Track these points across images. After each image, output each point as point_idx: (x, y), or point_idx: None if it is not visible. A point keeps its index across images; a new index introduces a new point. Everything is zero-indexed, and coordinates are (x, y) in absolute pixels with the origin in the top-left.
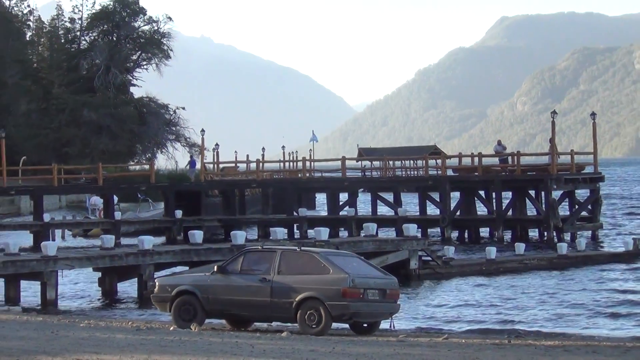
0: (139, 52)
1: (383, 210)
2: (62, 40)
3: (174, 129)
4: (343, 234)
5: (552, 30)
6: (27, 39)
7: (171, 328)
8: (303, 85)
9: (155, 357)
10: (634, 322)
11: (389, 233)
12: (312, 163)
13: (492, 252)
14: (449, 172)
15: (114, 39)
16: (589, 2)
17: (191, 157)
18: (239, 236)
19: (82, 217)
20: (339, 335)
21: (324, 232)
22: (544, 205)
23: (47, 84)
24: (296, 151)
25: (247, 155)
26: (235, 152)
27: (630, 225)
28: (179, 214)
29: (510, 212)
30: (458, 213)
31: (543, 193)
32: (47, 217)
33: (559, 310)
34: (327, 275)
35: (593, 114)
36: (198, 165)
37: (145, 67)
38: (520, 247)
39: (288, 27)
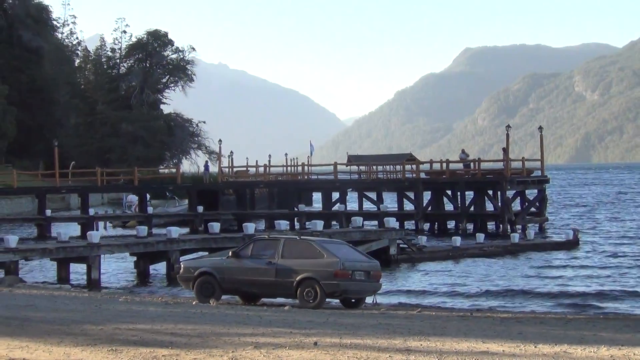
0: (168, 76)
1: (368, 206)
2: (105, 66)
3: (196, 139)
4: (335, 225)
5: (507, 58)
6: (76, 65)
7: (194, 303)
8: (303, 103)
9: (180, 326)
10: (568, 302)
11: (372, 225)
12: (310, 167)
13: (457, 240)
14: (422, 175)
15: (147, 65)
16: (537, 36)
17: (206, 162)
18: (250, 227)
19: (121, 212)
20: (331, 309)
21: (319, 224)
22: (500, 203)
23: (92, 102)
24: (297, 158)
25: (257, 161)
26: (247, 158)
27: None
28: (200, 209)
29: (472, 208)
30: (429, 209)
31: (499, 192)
32: (92, 212)
33: (509, 290)
34: (322, 259)
35: (540, 128)
36: (211, 169)
37: (172, 88)
38: (480, 236)
39: (291, 55)
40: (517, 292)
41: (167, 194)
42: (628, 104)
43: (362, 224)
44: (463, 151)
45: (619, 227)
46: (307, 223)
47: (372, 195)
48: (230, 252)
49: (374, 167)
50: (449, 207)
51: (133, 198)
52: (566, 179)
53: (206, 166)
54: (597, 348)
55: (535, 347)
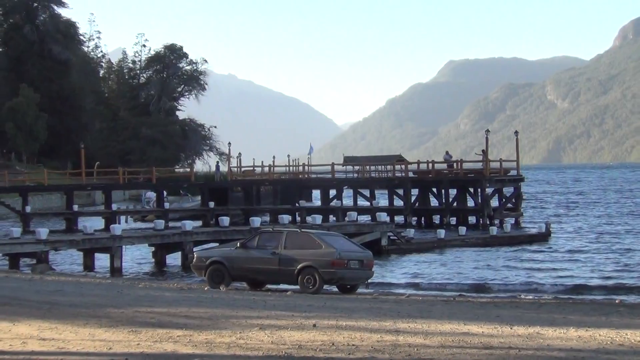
0: (183, 86)
1: (361, 202)
2: (126, 77)
3: (208, 142)
4: (332, 219)
5: (486, 70)
6: (100, 75)
7: (205, 288)
8: (303, 110)
9: (194, 310)
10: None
11: (365, 219)
12: (309, 167)
13: (441, 233)
14: (410, 175)
15: (164, 75)
16: (513, 49)
17: (217, 163)
18: (256, 221)
19: (140, 207)
20: (329, 294)
21: (318, 218)
22: (480, 199)
23: (115, 109)
24: (298, 158)
25: (262, 162)
26: (253, 159)
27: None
28: (211, 204)
29: (455, 204)
30: (416, 204)
31: (479, 190)
32: (114, 207)
33: (488, 277)
34: (321, 249)
35: (516, 132)
36: (221, 169)
37: (187, 96)
38: (462, 229)
39: (293, 67)
40: (494, 279)
41: (182, 191)
42: (594, 111)
43: (357, 218)
44: (447, 153)
45: (589, 221)
46: (307, 217)
47: (366, 192)
48: (238, 243)
49: (367, 167)
50: (434, 203)
51: (151, 195)
52: (544, 178)
53: (217, 166)
54: (566, 329)
55: (511, 328)
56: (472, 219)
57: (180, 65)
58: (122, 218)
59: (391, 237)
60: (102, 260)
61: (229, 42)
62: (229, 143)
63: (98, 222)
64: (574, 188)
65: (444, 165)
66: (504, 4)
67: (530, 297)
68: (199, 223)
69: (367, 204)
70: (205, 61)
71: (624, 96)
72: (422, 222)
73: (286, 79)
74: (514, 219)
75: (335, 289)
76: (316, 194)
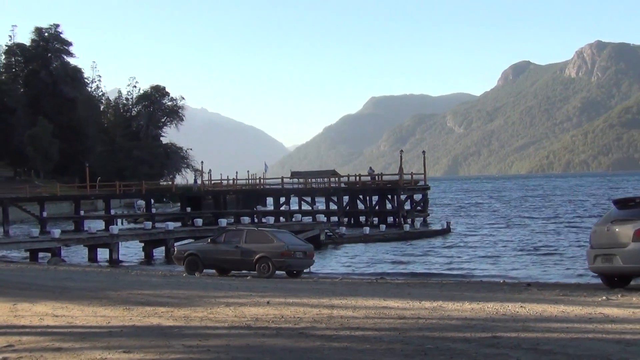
0: (165, 117)
1: (305, 207)
2: (121, 111)
3: (185, 161)
4: (282, 220)
5: (400, 104)
6: (101, 110)
7: (184, 275)
8: (259, 135)
9: (174, 291)
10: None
11: (308, 219)
12: (264, 180)
13: (366, 230)
14: (342, 185)
15: (151, 109)
16: (421, 87)
17: (195, 178)
18: (223, 222)
19: (133, 212)
20: (279, 278)
21: (271, 219)
22: (396, 203)
23: (112, 136)
24: (255, 174)
25: (227, 176)
26: (221, 174)
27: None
28: (188, 209)
29: (377, 207)
30: (347, 208)
31: (395, 196)
32: (112, 212)
33: (401, 264)
34: (273, 243)
35: (423, 152)
36: (198, 182)
37: (169, 126)
38: (382, 227)
39: (252, 100)
40: (406, 266)
41: (165, 199)
42: (483, 135)
43: (301, 219)
44: (370, 168)
45: (480, 220)
46: (262, 219)
47: (308, 199)
48: (209, 239)
49: (309, 179)
50: (361, 206)
51: (141, 202)
52: (444, 187)
53: (195, 180)
54: (462, 303)
55: (420, 303)
56: (390, 219)
57: (163, 101)
58: (119, 221)
59: (328, 234)
60: (103, 254)
61: (200, 82)
62: (202, 162)
63: (99, 224)
64: (469, 194)
65: (368, 178)
66: (412, 50)
67: (435, 280)
68: (178, 224)
69: (309, 208)
70: (183, 98)
71: (506, 123)
72: (352, 221)
73: (245, 110)
74: (422, 218)
75: (284, 274)
76: (270, 200)
